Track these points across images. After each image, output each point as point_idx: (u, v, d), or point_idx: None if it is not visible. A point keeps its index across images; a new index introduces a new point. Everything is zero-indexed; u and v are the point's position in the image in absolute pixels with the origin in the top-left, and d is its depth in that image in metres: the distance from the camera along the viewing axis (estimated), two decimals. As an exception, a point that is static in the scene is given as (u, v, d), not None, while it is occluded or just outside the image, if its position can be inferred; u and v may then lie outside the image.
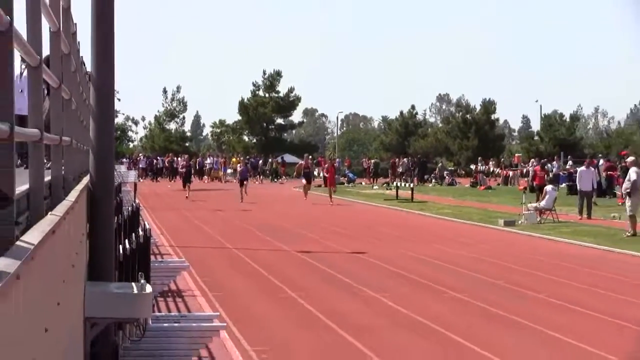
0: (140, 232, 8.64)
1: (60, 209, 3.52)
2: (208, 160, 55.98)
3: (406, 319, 9.54)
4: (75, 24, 7.80)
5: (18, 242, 2.34)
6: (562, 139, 69.57)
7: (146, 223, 11.47)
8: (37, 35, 3.38)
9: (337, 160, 56.07)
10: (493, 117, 75.82)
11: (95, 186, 6.41)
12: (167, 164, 54.37)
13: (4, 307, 1.65)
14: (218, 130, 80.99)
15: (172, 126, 77.69)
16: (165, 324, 7.66)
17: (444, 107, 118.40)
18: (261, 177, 53.19)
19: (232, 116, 78.65)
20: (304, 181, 34.23)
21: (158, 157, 58.45)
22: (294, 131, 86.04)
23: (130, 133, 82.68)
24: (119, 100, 61.17)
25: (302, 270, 13.47)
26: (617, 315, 9.55)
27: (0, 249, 2.22)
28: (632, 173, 18.82)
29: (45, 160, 4.09)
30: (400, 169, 49.31)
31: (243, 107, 74.68)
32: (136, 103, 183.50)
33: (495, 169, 52.33)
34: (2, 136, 2.32)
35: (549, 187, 22.92)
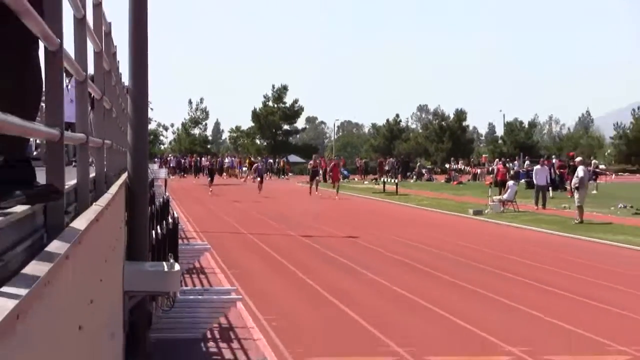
0: (170, 220, 8.64)
1: (103, 201, 3.51)
2: (226, 160, 55.93)
3: (388, 291, 9.50)
4: (116, 45, 7.80)
5: (67, 228, 2.34)
6: (521, 142, 69.68)
7: (175, 212, 11.43)
8: (83, 55, 3.36)
9: (336, 159, 55.61)
10: (464, 124, 75.89)
11: (132, 181, 6.41)
12: (192, 163, 54.33)
13: (57, 282, 1.65)
14: (235, 135, 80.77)
15: (196, 131, 77.41)
16: (191, 296, 7.65)
17: (423, 115, 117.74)
18: (270, 174, 53.13)
19: (247, 123, 78.42)
20: (308, 178, 33.24)
21: (185, 157, 58.35)
22: (297, 136, 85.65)
23: (161, 137, 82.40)
24: (152, 109, 61.26)
25: (307, 252, 13.43)
26: (586, 295, 9.13)
27: (53, 234, 2.21)
28: (580, 171, 18.87)
29: (90, 160, 4.07)
30: (386, 167, 49.13)
31: (255, 115, 74.51)
32: (166, 112, 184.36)
33: (465, 167, 52.35)
34: (54, 139, 2.31)
35: (510, 182, 22.86)
